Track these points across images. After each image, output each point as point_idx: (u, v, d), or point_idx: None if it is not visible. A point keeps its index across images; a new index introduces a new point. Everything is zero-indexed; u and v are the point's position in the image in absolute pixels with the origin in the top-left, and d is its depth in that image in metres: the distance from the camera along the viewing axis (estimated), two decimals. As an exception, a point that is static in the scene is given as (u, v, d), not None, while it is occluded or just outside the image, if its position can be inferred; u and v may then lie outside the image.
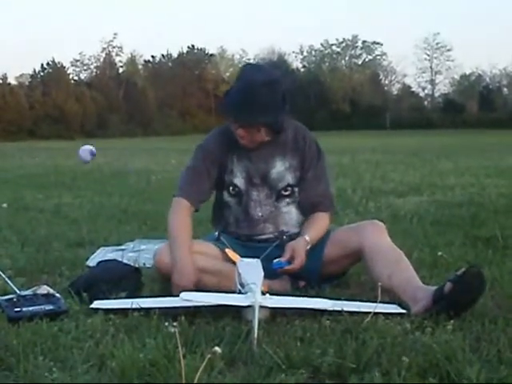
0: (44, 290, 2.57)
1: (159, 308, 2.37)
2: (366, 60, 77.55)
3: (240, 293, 2.36)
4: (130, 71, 70.12)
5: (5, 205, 6.07)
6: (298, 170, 2.94)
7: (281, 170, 2.93)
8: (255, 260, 2.60)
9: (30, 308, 2.37)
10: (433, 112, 70.73)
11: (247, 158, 2.92)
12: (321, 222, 2.94)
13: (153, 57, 74.61)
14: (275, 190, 2.94)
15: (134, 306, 2.39)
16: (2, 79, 59.34)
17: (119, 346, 2.00)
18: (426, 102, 77.58)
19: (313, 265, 2.81)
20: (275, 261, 2.72)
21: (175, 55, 74.10)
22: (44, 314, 2.33)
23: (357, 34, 76.98)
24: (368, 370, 1.84)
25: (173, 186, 3.06)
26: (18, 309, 2.36)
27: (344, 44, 76.62)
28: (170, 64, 74.00)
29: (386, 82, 78.66)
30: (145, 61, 74.53)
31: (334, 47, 77.07)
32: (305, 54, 77.31)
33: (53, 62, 63.60)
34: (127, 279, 2.79)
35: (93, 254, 3.65)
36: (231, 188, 2.96)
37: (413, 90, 78.44)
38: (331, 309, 2.34)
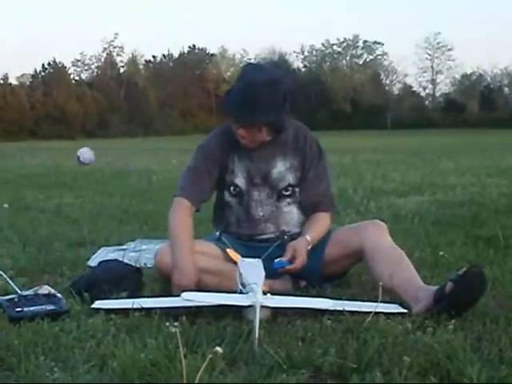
0: (45, 290, 2.57)
1: (160, 308, 2.37)
2: (367, 60, 77.58)
3: (241, 293, 2.35)
4: (131, 71, 70.15)
5: (6, 205, 6.07)
6: (298, 170, 2.94)
7: (282, 169, 2.93)
8: (256, 260, 2.60)
9: (32, 308, 2.37)
10: (434, 112, 70.73)
11: (248, 158, 2.92)
12: (322, 221, 2.94)
13: (154, 57, 74.79)
14: (276, 189, 2.94)
15: (135, 306, 2.39)
16: (3, 79, 59.48)
17: (120, 346, 2.00)
18: (427, 102, 77.63)
19: (314, 264, 2.81)
20: (276, 260, 2.72)
21: (176, 55, 74.25)
22: (45, 314, 2.33)
23: (358, 34, 77.16)
24: (369, 370, 1.84)
25: (174, 186, 3.06)
26: (20, 309, 2.36)
27: (345, 44, 76.65)
28: (170, 64, 74.05)
29: (387, 81, 78.77)
30: (146, 61, 74.66)
31: (335, 47, 77.13)
32: (306, 53, 77.45)
33: (54, 61, 63.71)
34: (128, 279, 2.79)
35: (94, 254, 3.65)
36: (232, 188, 2.96)
37: (414, 89, 78.61)
38: (332, 308, 2.34)
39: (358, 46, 77.04)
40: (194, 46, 74.65)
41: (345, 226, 3.07)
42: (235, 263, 2.65)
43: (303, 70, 76.72)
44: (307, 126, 3.05)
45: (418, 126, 58.20)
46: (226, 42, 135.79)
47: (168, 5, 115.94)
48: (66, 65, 66.02)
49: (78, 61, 70.82)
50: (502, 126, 51.00)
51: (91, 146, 15.41)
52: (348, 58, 77.57)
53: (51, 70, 63.09)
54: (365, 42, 76.56)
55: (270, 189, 2.93)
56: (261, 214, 2.93)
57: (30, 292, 2.55)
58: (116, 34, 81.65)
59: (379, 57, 77.66)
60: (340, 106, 69.25)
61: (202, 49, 75.01)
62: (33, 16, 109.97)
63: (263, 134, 2.83)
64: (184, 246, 2.73)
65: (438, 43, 76.73)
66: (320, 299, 2.46)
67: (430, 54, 77.35)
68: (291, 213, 2.97)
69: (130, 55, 72.19)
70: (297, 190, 2.96)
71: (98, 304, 2.49)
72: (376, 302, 2.41)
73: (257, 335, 1.99)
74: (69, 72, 66.79)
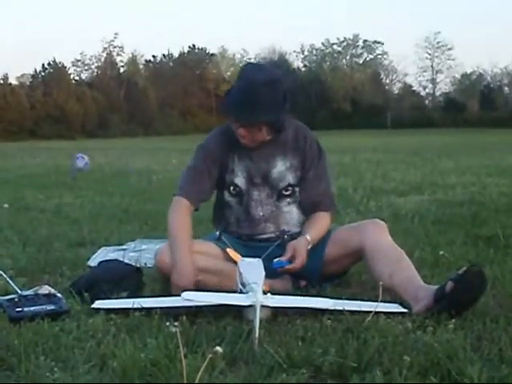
0: (45, 290, 2.57)
1: (160, 308, 2.37)
2: (367, 59, 77.53)
3: (241, 292, 2.35)
4: (131, 71, 70.11)
5: (6, 205, 6.08)
6: (298, 170, 2.94)
7: (282, 169, 2.93)
8: (256, 259, 2.60)
9: (32, 308, 2.37)
10: (434, 111, 70.70)
11: (248, 158, 2.92)
12: (322, 221, 2.94)
13: (154, 56, 74.71)
14: (276, 189, 2.93)
15: (135, 306, 2.39)
16: (3, 79, 59.41)
17: (120, 346, 2.00)
18: (426, 101, 77.60)
19: (314, 264, 2.81)
20: (276, 260, 2.72)
21: (176, 55, 74.18)
22: (45, 314, 2.33)
23: (358, 33, 77.04)
24: (369, 370, 1.84)
25: (174, 186, 3.06)
26: (20, 309, 2.36)
27: (345, 43, 76.60)
28: (170, 64, 74.01)
29: (387, 81, 78.74)
30: (146, 60, 74.60)
31: (335, 46, 77.08)
32: (306, 53, 77.38)
33: (54, 61, 63.63)
34: (128, 279, 2.79)
35: (94, 253, 3.65)
36: (232, 188, 2.96)
37: (414, 89, 78.56)
38: (332, 308, 2.34)
39: (358, 46, 77.02)
40: (193, 45, 74.69)
41: (345, 226, 3.07)
42: (235, 263, 2.65)
43: (303, 69, 76.68)
44: (307, 126, 3.05)
45: (418, 126, 58.17)
46: (226, 41, 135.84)
47: (168, 5, 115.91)
48: (66, 65, 66.01)
49: (78, 61, 70.85)
50: (502, 126, 50.98)
51: (91, 147, 15.39)
52: (348, 57, 77.54)
53: (51, 70, 63.03)
54: (365, 41, 76.59)
55: (270, 188, 2.93)
56: (261, 213, 2.93)
57: (30, 292, 2.55)
58: (116, 34, 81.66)
59: (379, 56, 77.68)
60: (340, 105, 69.23)
61: (201, 49, 75.03)
62: (33, 16, 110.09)
63: (263, 133, 2.83)
64: (183, 245, 2.73)
65: (438, 42, 76.78)
66: (320, 299, 2.46)
67: (430, 54, 77.41)
68: (291, 212, 2.97)
69: (130, 55, 72.21)
70: (297, 189, 2.96)
71: (98, 304, 2.49)
72: (376, 301, 2.41)
73: (257, 335, 1.99)
74: (69, 72, 66.74)
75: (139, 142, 37.91)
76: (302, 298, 2.52)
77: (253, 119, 2.77)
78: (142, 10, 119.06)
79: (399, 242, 2.80)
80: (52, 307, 2.40)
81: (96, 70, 70.70)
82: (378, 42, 76.74)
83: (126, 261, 3.14)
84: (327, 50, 77.23)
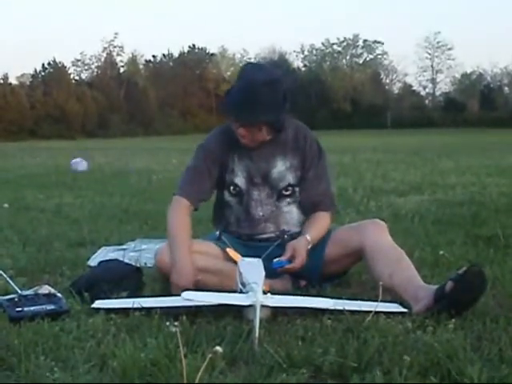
0: (45, 289, 2.57)
1: (160, 308, 2.37)
2: (367, 59, 77.52)
3: (241, 292, 2.35)
4: (131, 71, 70.10)
5: (6, 205, 6.08)
6: (298, 170, 2.94)
7: (282, 169, 2.93)
8: (256, 259, 2.60)
9: (32, 308, 2.37)
10: (434, 111, 70.70)
11: (248, 158, 2.92)
12: (322, 221, 2.94)
13: (154, 56, 74.70)
14: (276, 189, 2.93)
15: (135, 306, 2.39)
16: (3, 79, 59.40)
17: (120, 346, 2.00)
18: (427, 101, 77.59)
19: (314, 264, 2.81)
20: (275, 260, 2.72)
21: (176, 55, 74.16)
22: (45, 314, 2.33)
23: (358, 33, 77.05)
24: (369, 369, 1.84)
25: (174, 186, 3.06)
26: (20, 309, 2.36)
27: (345, 43, 76.59)
28: (170, 63, 74.01)
29: (387, 81, 78.74)
30: (146, 60, 74.59)
31: (335, 46, 77.07)
32: (306, 53, 77.38)
33: (54, 61, 63.62)
34: (128, 279, 2.79)
35: (94, 253, 3.65)
36: (232, 187, 2.96)
37: (414, 88, 78.56)
38: (332, 308, 2.34)
39: (357, 46, 77.02)
40: (193, 45, 74.67)
41: (345, 226, 3.07)
42: (235, 263, 2.65)
43: (303, 69, 76.67)
44: (307, 126, 3.05)
45: (417, 126, 58.18)
46: (226, 41, 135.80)
47: (168, 5, 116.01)
48: (66, 65, 65.99)
49: (78, 61, 70.85)
50: (502, 126, 50.98)
51: (91, 147, 15.40)
52: (348, 57, 77.53)
53: (51, 70, 63.02)
54: (365, 41, 76.57)
55: (270, 188, 2.93)
56: (261, 213, 2.93)
57: (30, 292, 2.55)
58: (116, 34, 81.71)
59: (379, 56, 77.67)
60: (340, 105, 69.22)
61: (201, 48, 75.02)
62: (33, 16, 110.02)
63: (263, 133, 2.83)
64: (182, 245, 2.73)
65: (438, 42, 76.77)
66: (320, 299, 2.46)
67: (430, 54, 77.40)
68: (291, 212, 2.97)
69: (130, 55, 72.20)
70: (297, 189, 2.96)
71: (98, 304, 2.49)
72: (376, 301, 2.41)
73: (257, 335, 1.99)
74: (69, 72, 66.72)
75: (139, 142, 37.91)
76: (301, 297, 2.51)
77: (253, 119, 2.77)
78: (142, 10, 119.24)
79: (399, 242, 2.80)
80: (52, 307, 2.40)
81: (96, 70, 70.73)
82: (378, 42, 76.83)
83: (126, 261, 3.14)
84: (327, 50, 77.22)
